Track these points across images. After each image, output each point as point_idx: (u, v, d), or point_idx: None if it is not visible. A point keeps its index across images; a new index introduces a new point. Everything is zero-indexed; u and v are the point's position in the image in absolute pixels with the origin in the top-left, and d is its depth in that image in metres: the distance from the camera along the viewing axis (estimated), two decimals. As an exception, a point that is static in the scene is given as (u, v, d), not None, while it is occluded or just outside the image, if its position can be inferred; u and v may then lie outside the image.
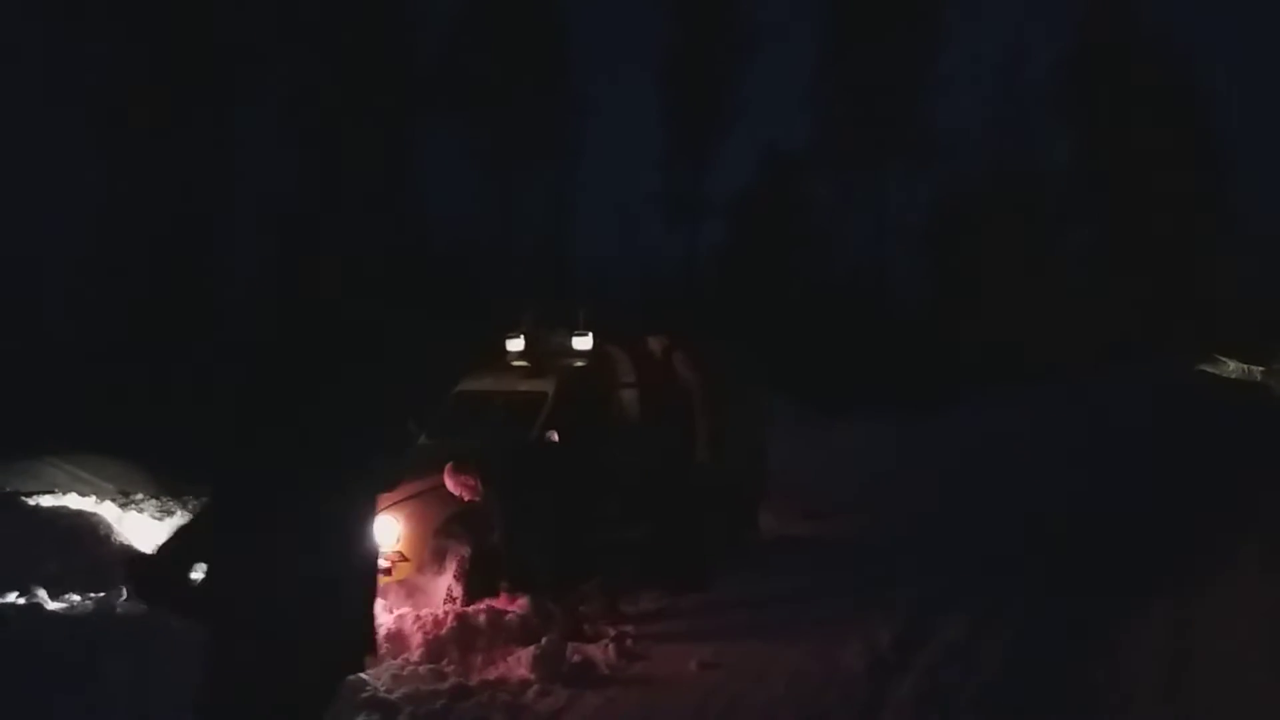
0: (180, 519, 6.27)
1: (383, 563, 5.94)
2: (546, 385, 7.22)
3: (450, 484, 5.88)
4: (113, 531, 5.47)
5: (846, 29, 26.52)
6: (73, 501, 6.07)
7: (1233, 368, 18.33)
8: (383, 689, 4.88)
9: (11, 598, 4.57)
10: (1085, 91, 26.00)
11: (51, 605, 4.55)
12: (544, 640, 5.34)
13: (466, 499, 5.93)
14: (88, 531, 5.45)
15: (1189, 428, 11.78)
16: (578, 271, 25.01)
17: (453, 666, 5.20)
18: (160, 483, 6.79)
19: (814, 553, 8.04)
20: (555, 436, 6.27)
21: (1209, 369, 17.10)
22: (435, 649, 5.35)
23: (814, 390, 16.13)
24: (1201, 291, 24.57)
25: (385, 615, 5.80)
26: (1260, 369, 19.54)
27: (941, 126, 26.52)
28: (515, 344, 7.92)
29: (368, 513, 2.80)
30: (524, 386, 7.45)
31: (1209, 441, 11.13)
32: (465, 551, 6.09)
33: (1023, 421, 12.79)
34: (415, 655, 5.31)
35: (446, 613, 5.82)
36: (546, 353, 7.76)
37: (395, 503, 6.09)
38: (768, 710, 4.67)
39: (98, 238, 16.65)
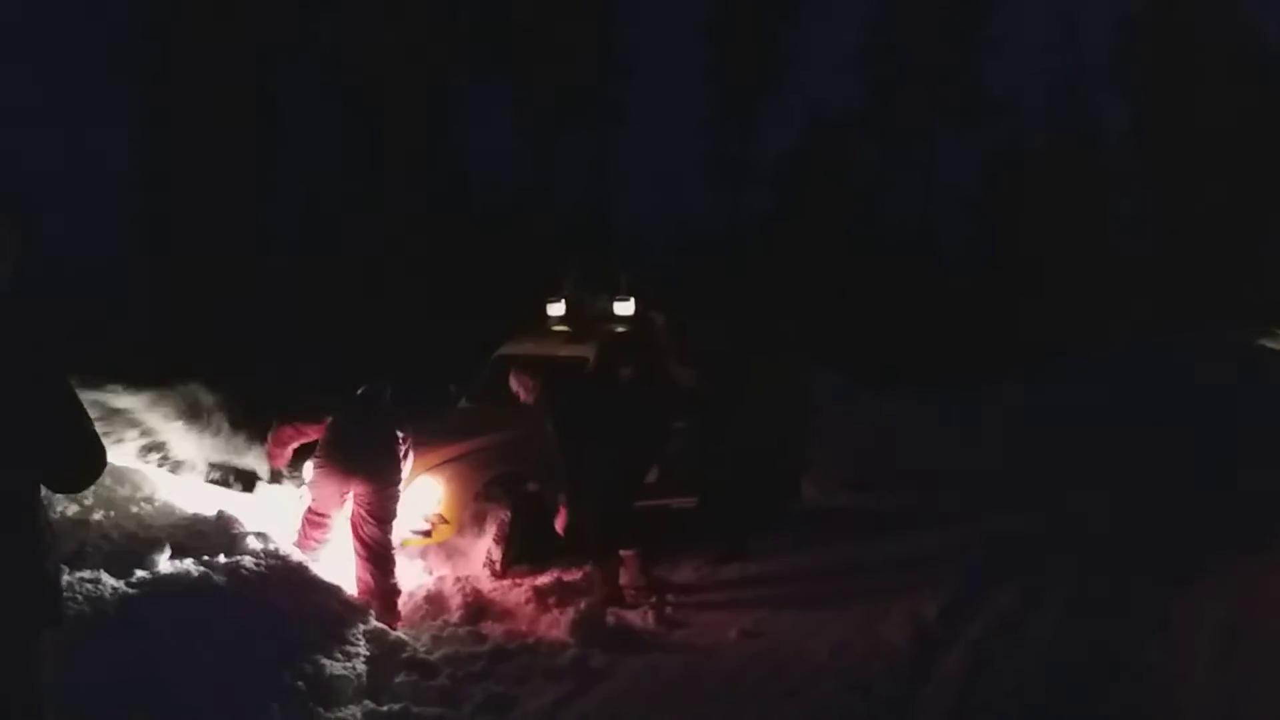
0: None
1: (423, 525, 5.96)
2: (587, 350, 7.15)
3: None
4: (156, 489, 5.49)
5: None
6: (116, 459, 6.08)
7: None
8: (422, 650, 4.89)
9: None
10: (1145, 52, 25.24)
11: (95, 561, 4.60)
12: (583, 604, 5.33)
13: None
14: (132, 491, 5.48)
15: (1249, 404, 11.47)
16: (620, 235, 24.86)
17: (492, 629, 5.19)
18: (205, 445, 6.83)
19: (858, 524, 7.92)
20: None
21: (1269, 344, 16.61)
22: (474, 611, 5.36)
23: (860, 359, 15.95)
24: (1262, 262, 23.92)
25: (425, 577, 5.82)
26: None
27: (995, 87, 25.99)
28: (556, 308, 7.87)
29: None
30: (564, 351, 7.39)
31: (1266, 416, 10.84)
32: (505, 515, 6.08)
33: (1075, 394, 12.54)
34: (455, 617, 5.32)
35: (486, 575, 5.83)
36: (587, 317, 7.69)
37: (437, 465, 6.09)
38: (809, 680, 4.60)
39: (145, 196, 16.79)
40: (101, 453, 2.48)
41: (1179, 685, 4.45)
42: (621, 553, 5.83)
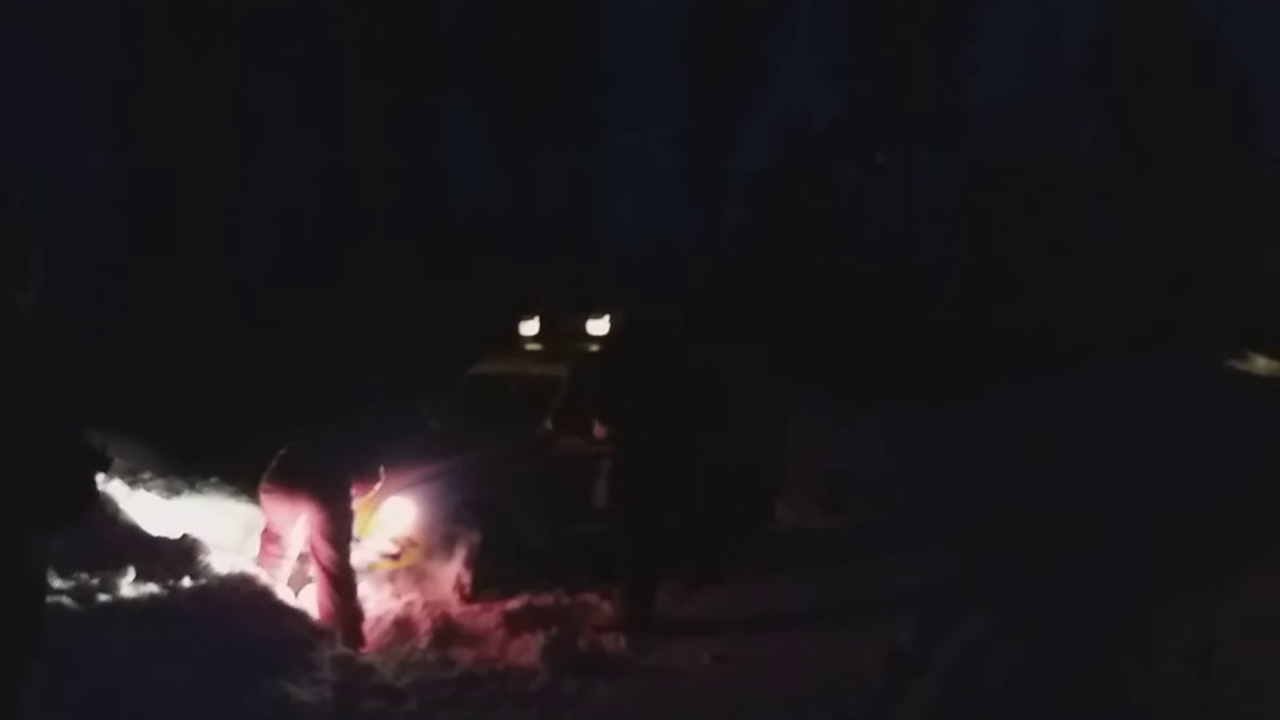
0: (187, 499, 6.24)
1: (392, 548, 5.89)
2: (560, 370, 7.11)
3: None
4: (119, 510, 5.41)
5: (875, 2, 26.12)
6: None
7: (1261, 364, 17.98)
8: (390, 675, 4.83)
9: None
10: (1120, 69, 25.51)
11: (58, 583, 4.51)
12: (553, 630, 5.27)
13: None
14: (95, 509, 5.39)
15: (1216, 423, 11.54)
16: (597, 249, 24.83)
17: (461, 654, 5.13)
18: (168, 462, 6.75)
19: (832, 544, 7.93)
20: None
21: (1237, 364, 16.75)
22: (444, 636, 5.29)
23: (836, 377, 15.95)
24: (1232, 283, 24.20)
25: (393, 601, 5.75)
26: None
27: (972, 104, 26.17)
28: (529, 327, 7.82)
29: None
30: (537, 371, 7.35)
31: (1237, 436, 10.90)
32: (475, 539, 6.01)
33: (1049, 411, 12.58)
34: (423, 642, 5.25)
35: (455, 600, 5.77)
36: (561, 336, 7.65)
37: (407, 487, 6.03)
38: (782, 704, 4.59)
39: (108, 210, 16.62)
40: (94, 481, 2.47)
41: (1154, 705, 4.44)
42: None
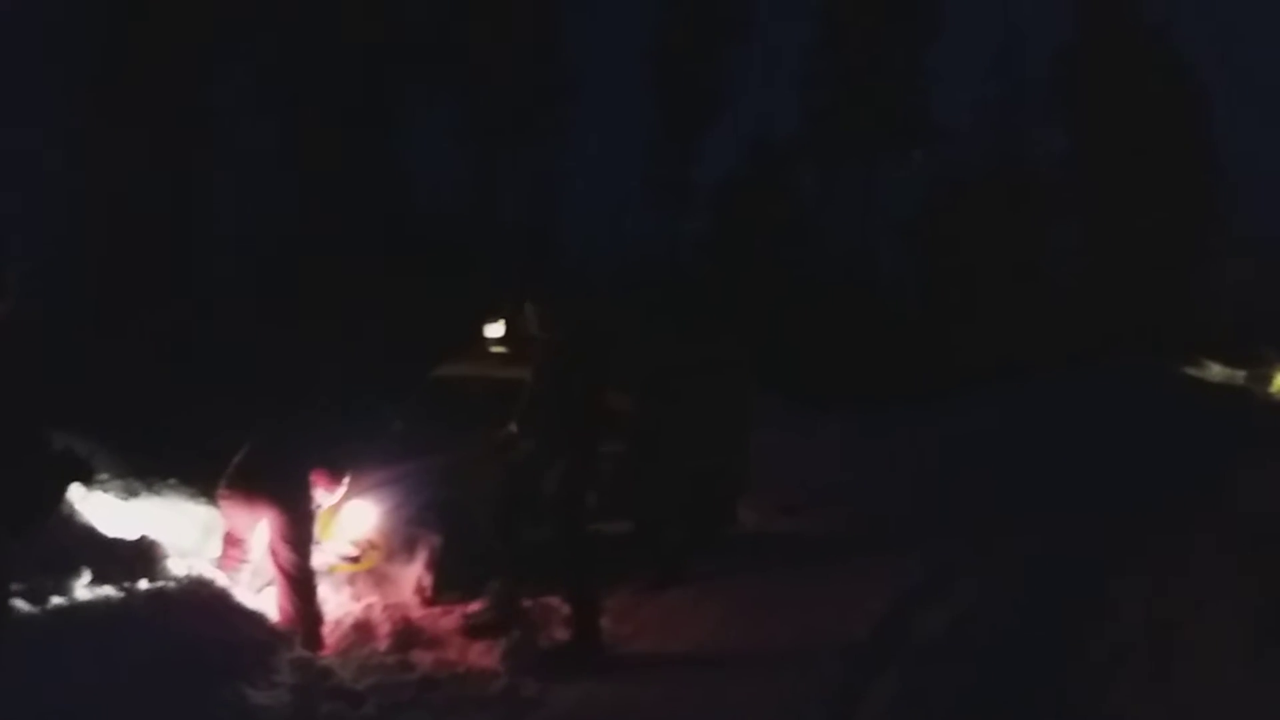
0: (145, 501, 6.18)
1: (352, 550, 5.86)
2: (524, 372, 7.10)
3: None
4: (75, 512, 5.34)
5: (838, 15, 26.37)
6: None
7: (1216, 371, 18.52)
8: (349, 679, 4.79)
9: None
10: (1080, 85, 25.93)
11: (13, 586, 4.45)
12: (514, 632, 5.26)
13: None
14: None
15: (1172, 426, 11.77)
16: (560, 256, 24.80)
17: (421, 657, 5.10)
18: (126, 463, 6.67)
19: (793, 548, 7.97)
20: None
21: (1193, 371, 17.21)
22: (403, 639, 5.25)
23: (798, 383, 16.06)
24: (1189, 293, 24.70)
25: (352, 604, 5.71)
26: (1243, 373, 19.79)
27: (933, 117, 26.48)
28: (495, 329, 7.81)
29: None
30: (501, 374, 7.34)
31: (1190, 437, 11.13)
32: (437, 542, 5.99)
33: (1007, 419, 12.76)
34: (383, 645, 5.21)
35: (416, 603, 5.75)
36: (525, 339, 7.63)
37: (369, 489, 6.00)
38: (742, 704, 4.60)
39: (61, 202, 16.30)
40: (65, 487, 2.44)
41: (1110, 707, 4.51)
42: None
